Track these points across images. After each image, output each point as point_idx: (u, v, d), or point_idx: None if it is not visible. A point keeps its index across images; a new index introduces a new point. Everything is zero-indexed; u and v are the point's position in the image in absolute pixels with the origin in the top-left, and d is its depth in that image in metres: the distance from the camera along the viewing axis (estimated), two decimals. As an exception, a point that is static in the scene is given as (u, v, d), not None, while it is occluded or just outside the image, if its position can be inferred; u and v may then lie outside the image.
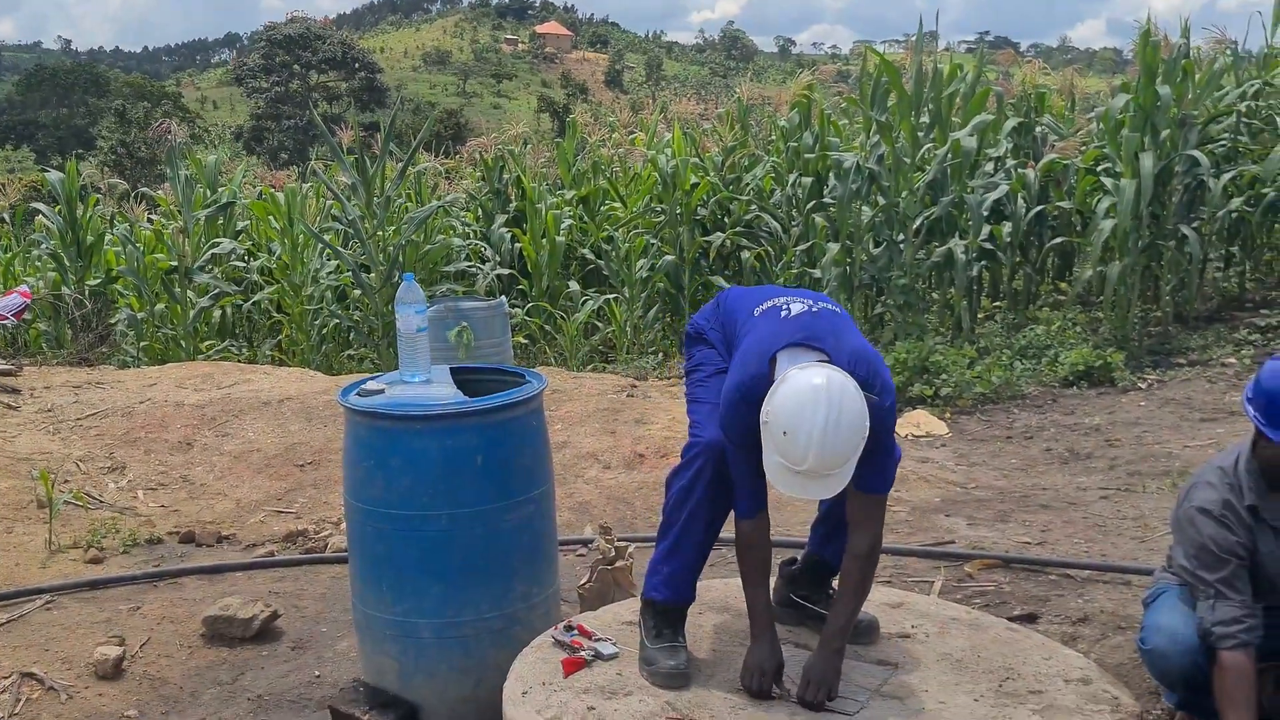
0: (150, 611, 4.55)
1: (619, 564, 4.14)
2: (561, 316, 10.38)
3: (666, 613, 3.35)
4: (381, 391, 3.79)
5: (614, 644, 3.32)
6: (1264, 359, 3.12)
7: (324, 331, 10.50)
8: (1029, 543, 5.15)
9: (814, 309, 3.15)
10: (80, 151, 44.56)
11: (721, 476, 3.20)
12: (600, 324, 10.79)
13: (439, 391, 3.81)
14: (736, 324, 3.32)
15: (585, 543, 5.27)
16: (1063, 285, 11.22)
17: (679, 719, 2.92)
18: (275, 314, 10.93)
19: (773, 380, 2.93)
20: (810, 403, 2.76)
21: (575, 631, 3.39)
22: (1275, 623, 3.05)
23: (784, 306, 3.17)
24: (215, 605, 4.43)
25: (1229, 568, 3.01)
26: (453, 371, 4.06)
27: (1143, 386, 8.32)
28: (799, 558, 3.69)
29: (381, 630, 3.77)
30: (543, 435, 3.88)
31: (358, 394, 3.80)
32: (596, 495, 5.89)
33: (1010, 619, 4.24)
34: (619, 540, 4.60)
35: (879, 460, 3.00)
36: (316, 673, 4.13)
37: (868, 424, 2.82)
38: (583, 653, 3.23)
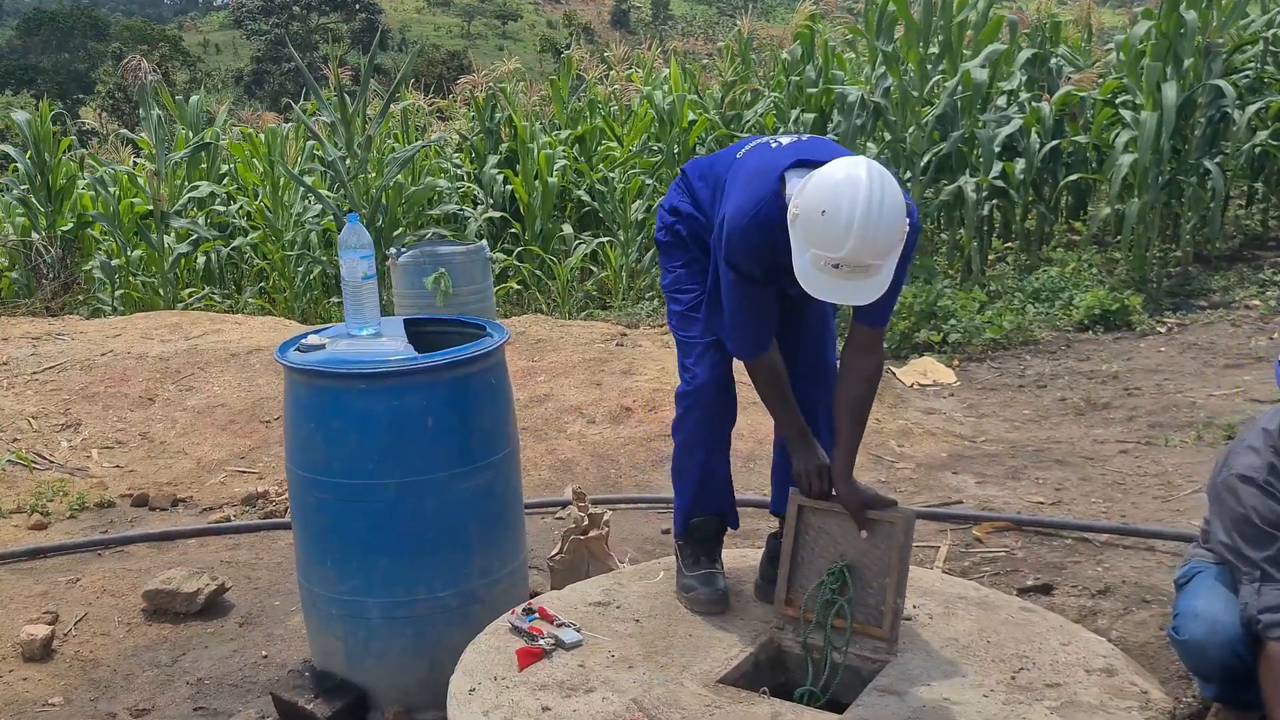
0: (90, 583, 4.20)
1: (593, 534, 3.77)
2: (554, 261, 9.95)
3: (701, 533, 3.20)
4: (322, 347, 3.41)
5: (578, 630, 2.95)
6: None
7: (309, 278, 10.11)
8: (1042, 503, 4.77)
9: (803, 137, 2.98)
10: (80, 96, 43.93)
11: (722, 419, 3.15)
12: (595, 269, 10.37)
13: (388, 346, 3.42)
14: (723, 181, 3.01)
15: (564, 505, 4.90)
16: (1077, 225, 10.74)
17: (645, 721, 2.56)
18: (259, 260, 10.53)
19: (785, 201, 2.68)
20: (850, 181, 2.54)
21: (535, 615, 3.03)
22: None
23: (771, 140, 2.98)
24: (158, 578, 4.07)
25: (1276, 543, 2.63)
26: (407, 324, 3.67)
27: (1162, 331, 7.90)
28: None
29: (327, 609, 3.42)
30: (504, 394, 3.49)
31: (297, 350, 3.42)
32: (580, 452, 5.52)
33: (1023, 590, 3.88)
34: (595, 505, 4.23)
35: (893, 290, 2.76)
36: (264, 652, 3.78)
37: (908, 219, 2.62)
38: (541, 641, 2.87)
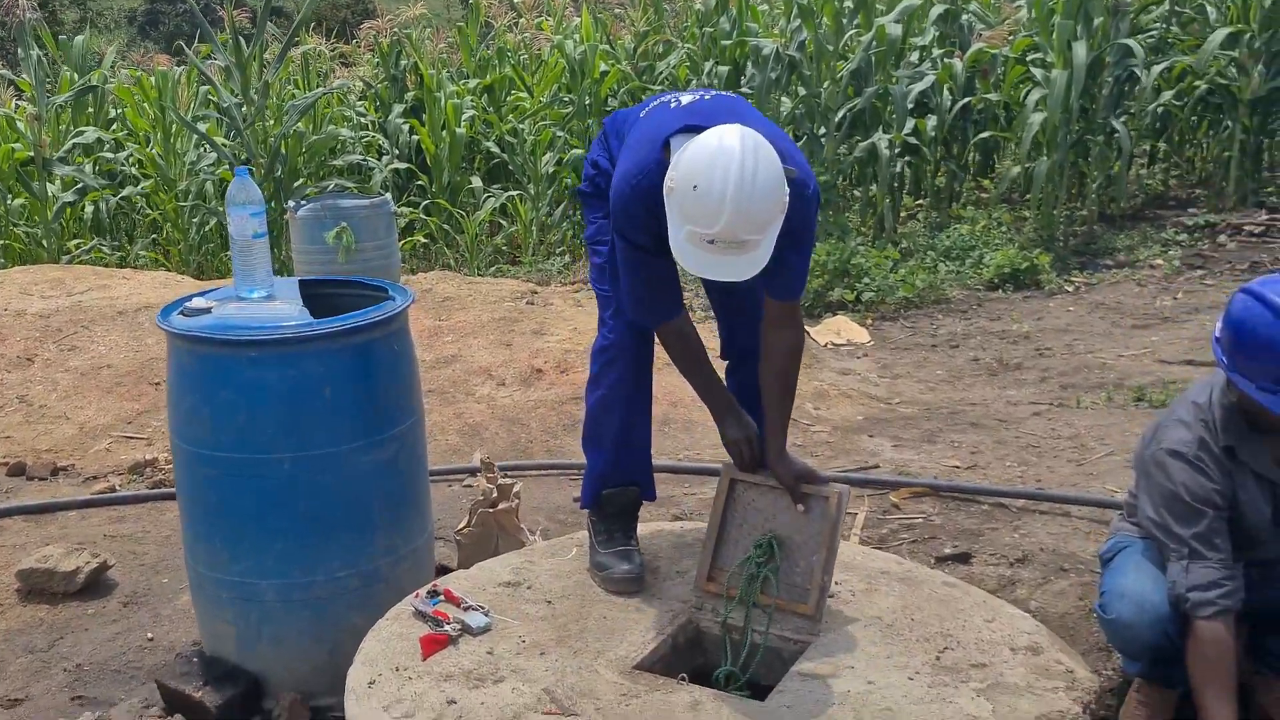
0: (-40, 562, 3.92)
1: (502, 506, 3.61)
2: (462, 215, 9.67)
3: (614, 507, 3.07)
4: (209, 311, 3.17)
5: (486, 613, 2.79)
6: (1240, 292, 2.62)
7: (204, 230, 9.68)
8: (959, 467, 4.73)
9: (706, 96, 2.85)
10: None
11: (641, 378, 3.03)
12: (505, 223, 10.11)
13: (281, 310, 3.20)
14: (626, 136, 2.90)
15: (473, 472, 4.72)
16: (986, 183, 10.79)
17: (558, 714, 2.41)
18: (151, 211, 10.05)
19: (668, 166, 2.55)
20: (722, 152, 2.41)
21: (441, 598, 2.86)
22: (1255, 581, 2.61)
23: (672, 100, 2.86)
24: (34, 555, 3.81)
25: (1205, 520, 2.56)
26: (303, 285, 3.44)
27: (1070, 290, 7.94)
28: None
29: (217, 591, 3.21)
30: (408, 360, 3.29)
31: (181, 314, 3.18)
32: (489, 416, 5.33)
33: (941, 559, 3.82)
34: (505, 473, 4.07)
35: (797, 263, 2.73)
36: (150, 635, 3.55)
37: (786, 191, 2.48)
38: (447, 627, 2.70)
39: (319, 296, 3.42)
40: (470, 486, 4.63)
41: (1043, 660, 2.66)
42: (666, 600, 2.92)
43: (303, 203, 6.52)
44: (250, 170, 3.45)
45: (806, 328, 7.06)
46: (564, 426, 5.18)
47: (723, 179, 2.37)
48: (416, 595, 2.85)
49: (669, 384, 4.65)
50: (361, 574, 3.18)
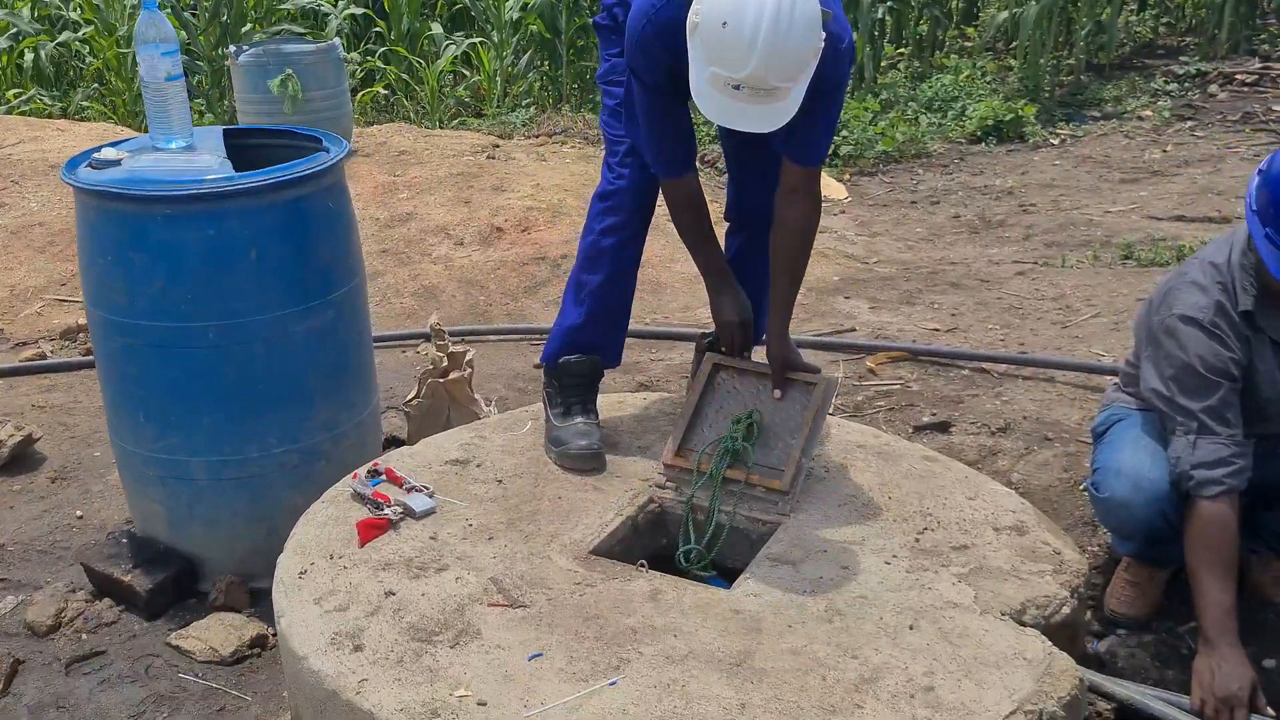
0: (-124, 435, 3.66)
1: (453, 376, 3.37)
2: (421, 64, 9.19)
3: (573, 377, 2.83)
4: (119, 163, 2.86)
5: (431, 494, 2.58)
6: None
7: (149, 79, 9.15)
8: (938, 329, 4.51)
9: None
10: None
11: (637, 232, 2.78)
12: (468, 72, 9.63)
13: (200, 162, 2.89)
14: None
15: (427, 337, 4.47)
16: (970, 31, 10.36)
17: (505, 605, 2.21)
18: (93, 59, 9.50)
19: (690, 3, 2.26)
20: None
21: (382, 479, 2.64)
22: (1260, 457, 2.42)
23: None
24: (-46, 428, 3.56)
25: (1218, 393, 2.35)
26: (228, 135, 3.12)
27: (1055, 143, 7.66)
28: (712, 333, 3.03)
29: (144, 470, 2.99)
30: (344, 218, 3.01)
31: (88, 166, 2.86)
32: (446, 277, 5.06)
33: (919, 428, 3.64)
34: (462, 338, 3.83)
35: (824, 124, 2.52)
36: (79, 512, 3.34)
37: (822, 36, 2.24)
38: (387, 510, 2.49)
39: (246, 148, 3.12)
40: (426, 353, 4.38)
41: (1028, 541, 2.48)
42: (626, 478, 2.71)
43: (245, 48, 6.08)
44: (163, 3, 3.07)
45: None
46: (524, 289, 4.92)
47: (755, 16, 2.11)
48: (354, 476, 2.63)
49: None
50: (300, 450, 2.96)
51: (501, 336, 4.54)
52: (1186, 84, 8.65)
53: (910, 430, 3.64)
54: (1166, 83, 8.64)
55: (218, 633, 2.82)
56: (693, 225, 2.71)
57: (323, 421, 2.98)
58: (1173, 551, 2.47)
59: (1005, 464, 3.37)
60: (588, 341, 2.85)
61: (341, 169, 3.01)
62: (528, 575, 2.31)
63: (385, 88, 9.33)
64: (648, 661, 2.06)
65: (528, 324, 4.61)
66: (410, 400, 3.39)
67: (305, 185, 2.84)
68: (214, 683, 2.68)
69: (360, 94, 9.17)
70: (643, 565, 2.37)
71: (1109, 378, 3.85)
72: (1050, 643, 2.15)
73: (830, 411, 3.55)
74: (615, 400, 3.09)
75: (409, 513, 2.50)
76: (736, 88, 2.19)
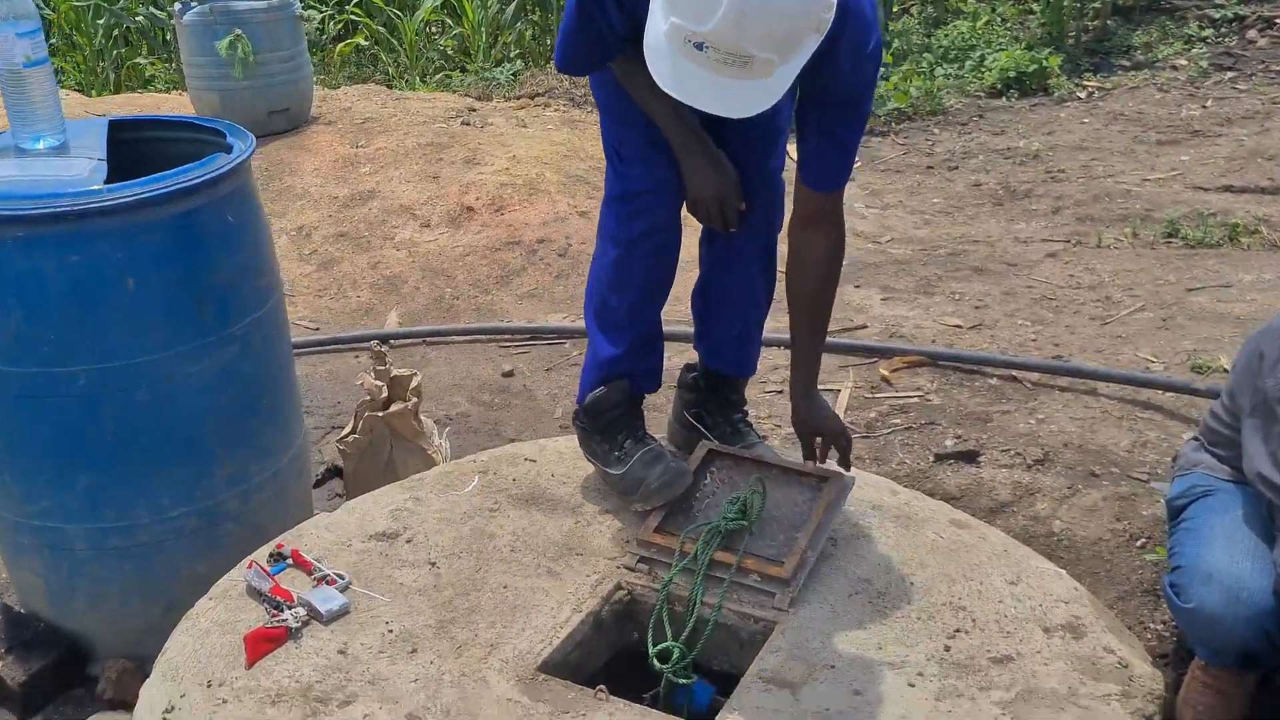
0: None
1: (395, 408, 2.86)
2: (399, 16, 8.58)
3: (607, 412, 2.34)
4: (-35, 171, 2.34)
5: (346, 585, 2.08)
6: None
7: (113, 34, 8.59)
8: (960, 326, 3.99)
9: None
10: None
11: (673, 242, 2.26)
12: (451, 22, 9.03)
13: (67, 170, 2.37)
14: None
15: (385, 339, 3.97)
16: (989, -28, 9.68)
17: (422, 761, 1.73)
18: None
19: None
20: None
21: (287, 564, 2.15)
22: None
23: None
24: None
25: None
26: (115, 127, 2.60)
27: (1082, 96, 7.06)
28: (697, 364, 2.56)
29: (17, 537, 2.51)
30: (250, 234, 2.50)
31: (-71, 175, 2.35)
32: (409, 265, 4.53)
33: (942, 457, 3.13)
34: (422, 339, 3.31)
35: (844, 139, 2.06)
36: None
37: (829, 7, 1.74)
38: (287, 614, 1.99)
39: (135, 143, 2.61)
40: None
41: (1087, 647, 1.98)
42: (589, 557, 2.21)
43: (190, 5, 5.51)
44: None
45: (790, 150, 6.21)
46: (496, 279, 4.40)
47: None
48: (249, 564, 2.13)
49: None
50: (200, 512, 2.47)
51: (469, 337, 4.04)
52: (1223, 29, 8.01)
53: (931, 459, 3.13)
54: (1201, 28, 8.00)
55: (101, 739, 2.35)
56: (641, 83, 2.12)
57: (227, 476, 2.49)
58: (1272, 658, 1.98)
59: (1045, 508, 2.86)
60: (624, 371, 2.35)
61: (247, 170, 2.49)
62: (455, 710, 1.82)
63: (367, 39, 8.74)
64: None
65: (498, 323, 4.10)
66: (346, 437, 2.89)
67: (196, 196, 2.32)
68: (92, 808, 2.21)
69: (339, 46, 8.60)
70: (601, 693, 1.87)
71: (1160, 394, 3.34)
72: (1124, 813, 1.66)
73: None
74: (566, 443, 2.58)
75: (314, 615, 2.01)
76: (700, 48, 1.69)
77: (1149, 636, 2.43)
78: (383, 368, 2.89)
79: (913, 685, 1.88)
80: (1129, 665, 1.95)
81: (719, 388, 2.49)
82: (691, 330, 2.54)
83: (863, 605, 2.08)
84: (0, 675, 2.43)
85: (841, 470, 2.28)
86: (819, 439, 2.27)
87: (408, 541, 2.25)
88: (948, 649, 1.97)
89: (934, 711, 1.83)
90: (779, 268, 2.35)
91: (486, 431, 3.44)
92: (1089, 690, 1.88)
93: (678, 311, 3.94)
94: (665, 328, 2.41)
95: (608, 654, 2.13)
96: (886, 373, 3.65)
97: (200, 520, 2.47)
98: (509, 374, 3.75)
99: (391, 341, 3.95)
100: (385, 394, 2.87)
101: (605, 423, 2.35)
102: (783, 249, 2.27)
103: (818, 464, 2.29)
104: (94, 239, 2.23)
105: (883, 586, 2.13)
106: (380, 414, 2.83)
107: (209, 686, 1.87)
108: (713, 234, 2.37)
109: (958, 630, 2.01)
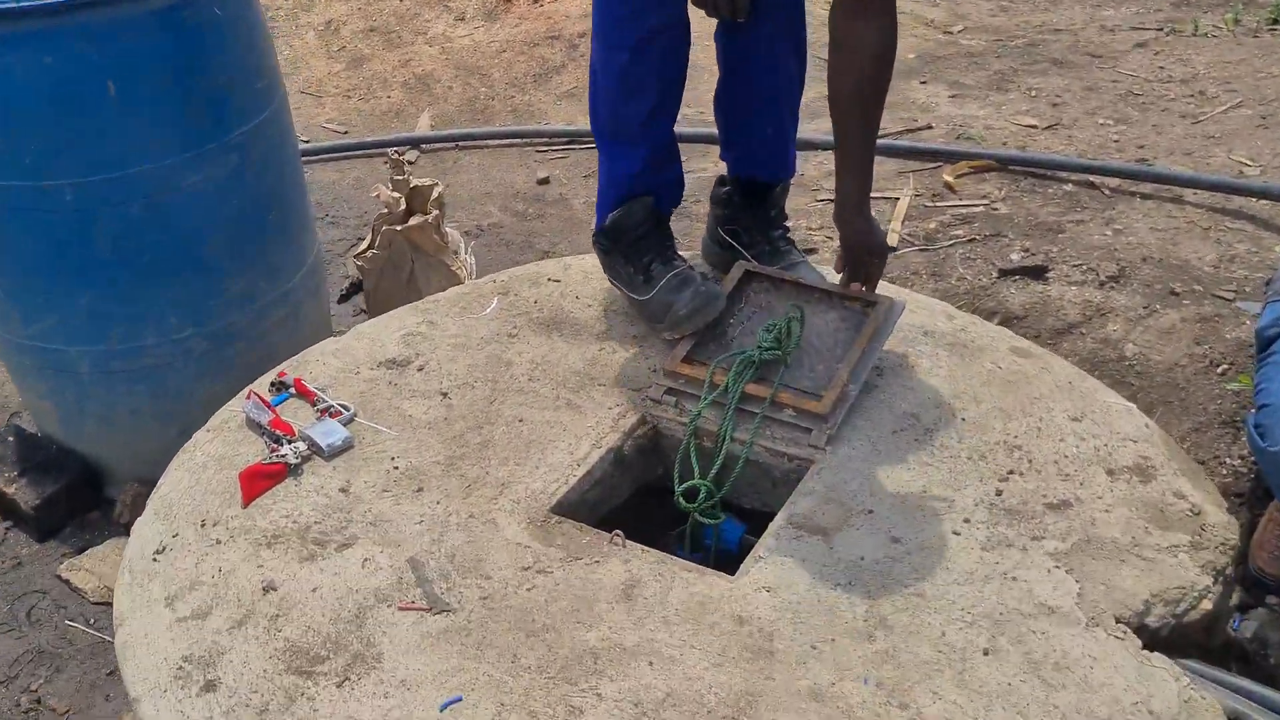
0: None
1: (414, 222, 2.68)
2: None
3: (631, 230, 2.14)
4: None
5: (351, 416, 1.95)
6: None
7: None
8: (1035, 126, 3.67)
9: None
10: None
11: (684, 39, 2.01)
12: None
13: (36, -41, 2.14)
14: None
15: (415, 144, 3.75)
16: None
17: (422, 609, 1.61)
18: None
19: None
20: None
21: (289, 393, 2.01)
22: None
23: None
24: None
25: None
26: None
27: None
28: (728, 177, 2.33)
29: (20, 359, 2.40)
30: (245, 28, 2.28)
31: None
32: (442, 63, 4.26)
33: (1007, 272, 2.90)
34: (424, 167, 3.10)
35: None
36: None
37: None
38: (286, 450, 1.86)
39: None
40: (416, 163, 3.67)
41: (1155, 491, 1.80)
42: (611, 389, 2.05)
43: None
44: None
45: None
46: (533, 78, 4.12)
47: None
48: (249, 395, 1.99)
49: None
50: (209, 334, 2.35)
51: (504, 140, 3.80)
52: None
53: (995, 274, 2.90)
54: None
55: (116, 564, 2.28)
56: None
57: (236, 296, 2.35)
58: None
59: (1118, 330, 2.63)
60: (645, 188, 2.14)
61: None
62: (460, 554, 1.70)
63: None
64: (608, 710, 1.46)
65: (536, 125, 3.85)
66: (363, 252, 2.72)
67: (177, -12, 2.09)
68: (106, 634, 2.17)
69: None
70: (617, 536, 1.74)
71: (1254, 202, 3.04)
72: (1186, 680, 1.51)
73: (902, 239, 2.86)
74: (594, 261, 2.39)
75: (315, 450, 1.88)
76: None
77: (1224, 473, 2.23)
78: (401, 177, 2.69)
79: (958, 534, 1.72)
80: (1201, 512, 1.76)
81: (755, 199, 2.26)
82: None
83: (908, 443, 1.90)
84: (14, 498, 2.37)
85: (890, 297, 2.07)
86: (870, 260, 2.05)
87: (419, 370, 2.10)
88: (999, 493, 1.80)
89: (979, 563, 1.67)
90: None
91: (519, 244, 3.25)
92: (1154, 540, 1.71)
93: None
94: (694, 129, 2.17)
95: (631, 490, 1.99)
96: (951, 179, 3.38)
97: (209, 342, 2.35)
98: (544, 181, 3.54)
99: (423, 146, 3.73)
100: (404, 206, 2.67)
101: (629, 244, 2.14)
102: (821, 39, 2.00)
103: (865, 289, 2.08)
104: (68, 38, 2.03)
105: (931, 423, 1.94)
106: (398, 228, 2.65)
107: (203, 526, 1.76)
108: (729, 26, 2.11)
109: (1011, 472, 1.84)
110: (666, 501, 1.93)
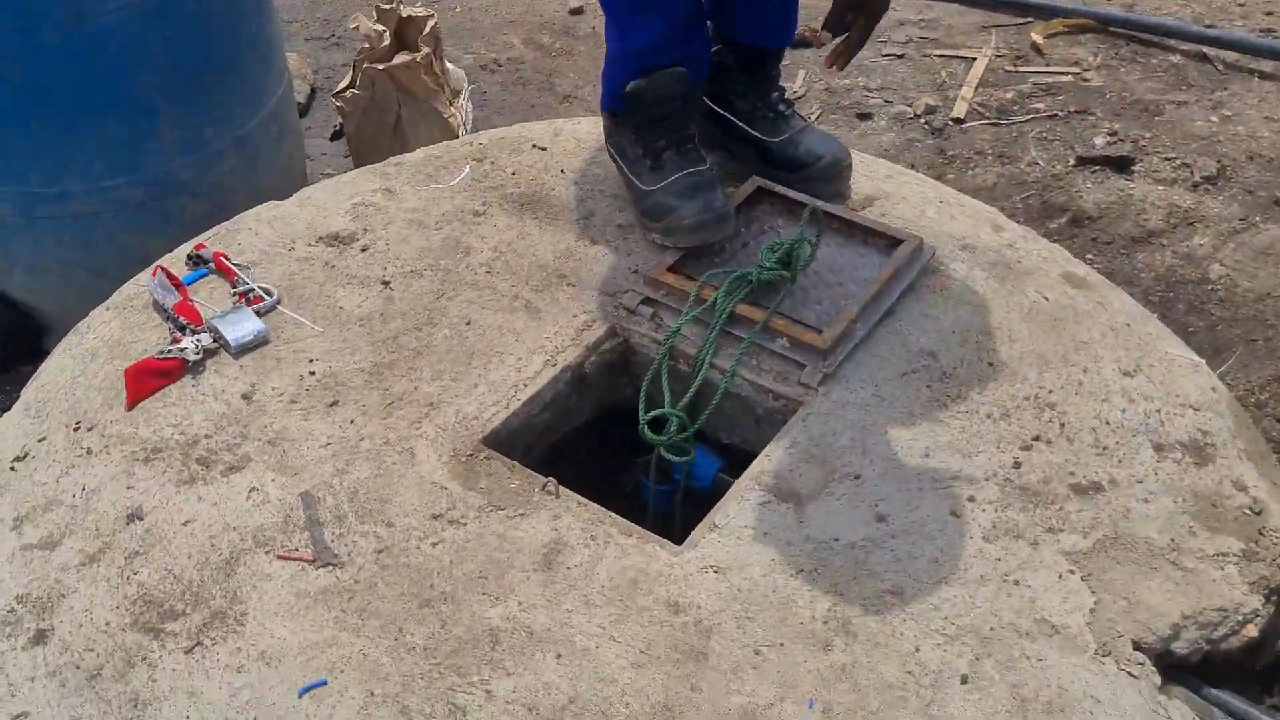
0: None
1: (400, 60, 2.34)
2: None
3: (652, 106, 1.79)
4: None
5: (269, 305, 1.68)
6: None
7: None
8: (1147, -19, 3.16)
9: None
10: None
11: None
12: None
13: None
14: None
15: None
16: None
17: (304, 560, 1.37)
18: None
19: None
20: None
21: (207, 270, 1.74)
22: None
23: None
24: None
25: None
26: None
27: None
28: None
29: (-59, 197, 2.14)
30: None
31: None
32: None
33: (1085, 160, 2.50)
34: (411, 6, 2.74)
35: None
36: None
37: None
38: (186, 342, 1.60)
39: None
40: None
41: (1209, 478, 1.48)
42: (582, 290, 1.75)
43: None
44: None
45: None
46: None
47: None
48: (155, 270, 1.73)
49: None
50: (145, 181, 2.07)
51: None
52: None
53: (1072, 161, 2.50)
54: None
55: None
56: None
57: (176, 141, 2.06)
58: None
59: (1205, 244, 2.24)
60: (670, 59, 1.78)
61: None
62: (364, 491, 1.45)
63: None
64: (494, 715, 1.22)
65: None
66: (342, 91, 2.40)
67: None
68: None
69: None
70: (551, 484, 1.46)
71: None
72: (1209, 743, 1.22)
73: (971, 109, 2.48)
74: (589, 127, 2.05)
75: (223, 344, 1.62)
76: None
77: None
78: (388, 7, 2.34)
79: (958, 515, 1.42)
80: (1263, 511, 1.44)
81: (753, 63, 1.89)
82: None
83: (917, 390, 1.59)
84: (-59, 348, 2.16)
85: (919, 237, 1.73)
86: (859, 9, 1.65)
87: (364, 249, 1.81)
88: (1017, 465, 1.49)
89: (977, 557, 1.38)
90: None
91: (538, 84, 2.89)
92: (1198, 545, 1.40)
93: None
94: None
95: (593, 412, 1.72)
96: (1040, 38, 2.92)
97: (145, 191, 2.07)
98: (578, 10, 3.15)
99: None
100: (388, 41, 2.33)
101: (646, 121, 1.80)
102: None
103: (847, 41, 1.68)
104: None
105: (950, 365, 1.62)
106: (380, 67, 2.31)
107: (76, 430, 1.52)
108: None
109: (1036, 438, 1.52)
110: (634, 423, 1.66)
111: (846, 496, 1.45)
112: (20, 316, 2.22)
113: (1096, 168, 2.47)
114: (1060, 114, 2.66)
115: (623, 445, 1.72)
